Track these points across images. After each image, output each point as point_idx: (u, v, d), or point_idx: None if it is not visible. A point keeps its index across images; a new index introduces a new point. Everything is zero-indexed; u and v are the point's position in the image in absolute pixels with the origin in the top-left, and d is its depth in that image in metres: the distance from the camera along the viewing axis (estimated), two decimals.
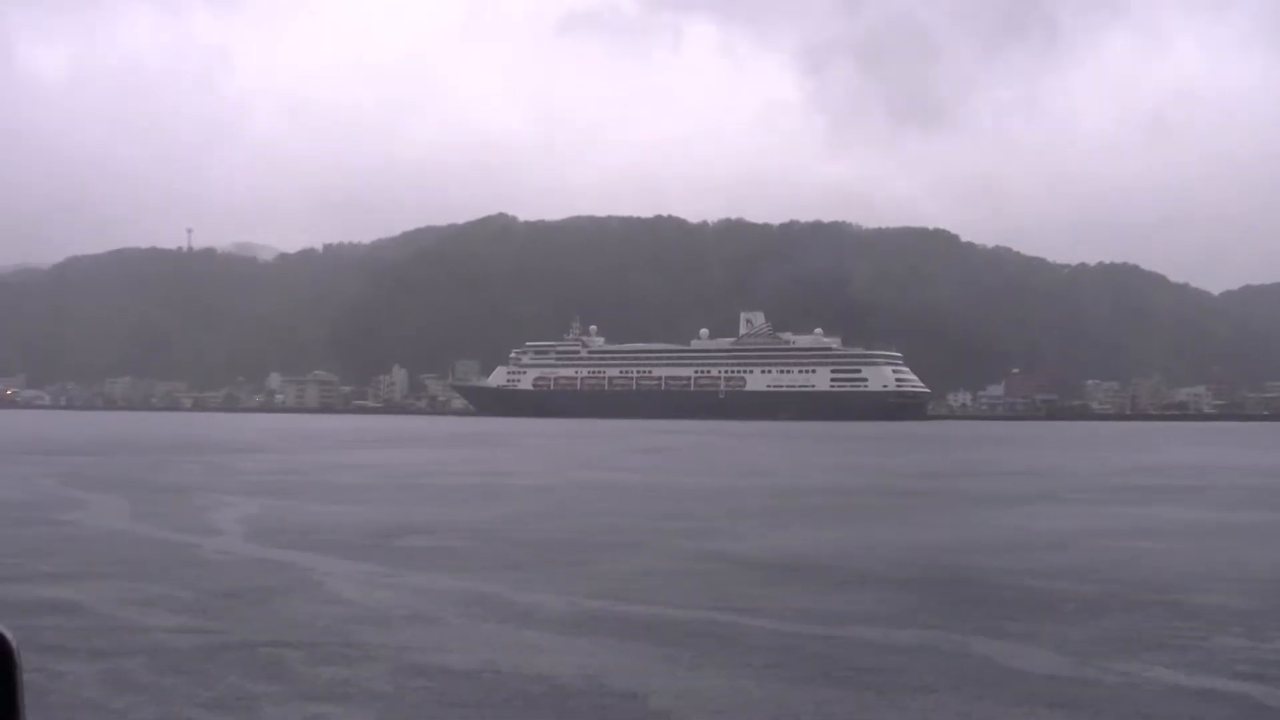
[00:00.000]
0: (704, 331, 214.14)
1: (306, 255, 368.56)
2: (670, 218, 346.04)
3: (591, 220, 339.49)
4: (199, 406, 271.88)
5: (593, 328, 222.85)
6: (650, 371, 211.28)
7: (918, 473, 42.79)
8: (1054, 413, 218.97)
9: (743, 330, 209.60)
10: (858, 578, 15.88)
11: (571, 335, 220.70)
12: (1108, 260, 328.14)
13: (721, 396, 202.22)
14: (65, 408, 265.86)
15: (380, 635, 12.58)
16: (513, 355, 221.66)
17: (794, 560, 17.59)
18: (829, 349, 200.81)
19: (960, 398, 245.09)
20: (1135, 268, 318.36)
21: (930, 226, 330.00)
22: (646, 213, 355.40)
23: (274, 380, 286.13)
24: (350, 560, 18.39)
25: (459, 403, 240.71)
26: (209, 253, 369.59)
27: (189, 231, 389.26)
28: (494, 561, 17.74)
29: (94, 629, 12.92)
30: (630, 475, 40.55)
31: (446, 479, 37.83)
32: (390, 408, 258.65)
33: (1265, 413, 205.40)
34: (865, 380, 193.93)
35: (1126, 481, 39.08)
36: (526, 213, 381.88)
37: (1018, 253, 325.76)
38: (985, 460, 55.30)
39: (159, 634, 12.68)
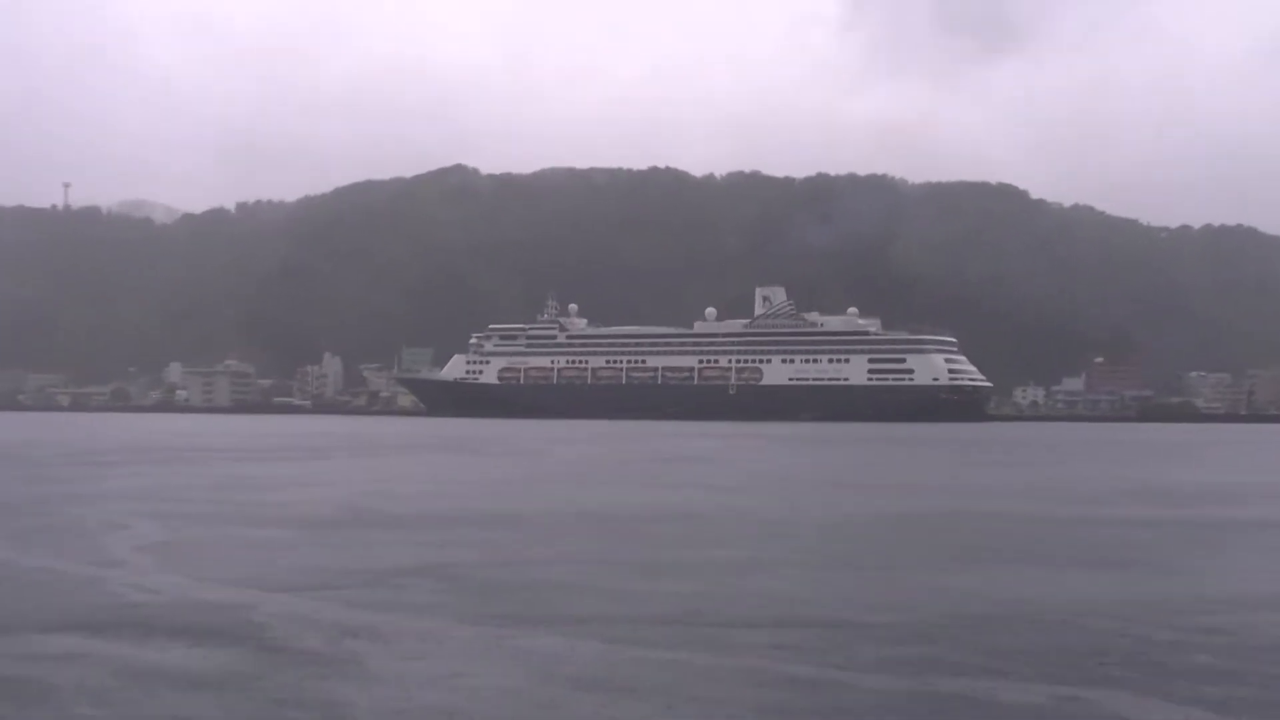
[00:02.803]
0: (710, 311, 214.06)
1: (215, 216, 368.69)
2: (669, 170, 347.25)
3: (571, 173, 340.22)
4: (79, 405, 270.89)
5: (572, 307, 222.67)
6: (644, 361, 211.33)
7: (1097, 493, 41.30)
8: (1148, 412, 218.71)
9: (759, 310, 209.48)
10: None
11: (546, 316, 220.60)
12: (1216, 222, 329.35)
13: (732, 392, 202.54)
14: None
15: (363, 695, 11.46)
16: (473, 341, 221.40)
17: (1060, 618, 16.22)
18: (866, 333, 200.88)
19: (1030, 393, 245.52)
20: (1252, 230, 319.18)
21: (993, 180, 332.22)
22: (640, 163, 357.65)
23: (174, 372, 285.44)
24: (312, 600, 17.25)
25: (406, 399, 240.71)
26: (92, 213, 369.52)
27: (66, 187, 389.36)
28: (495, 608, 16.58)
29: None
30: (688, 495, 38.89)
31: (414, 499, 36.57)
32: (321, 406, 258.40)
33: None
34: (911, 372, 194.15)
35: None
36: (491, 163, 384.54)
37: (1103, 213, 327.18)
38: (1150, 476, 53.97)
39: (65, 695, 11.67)
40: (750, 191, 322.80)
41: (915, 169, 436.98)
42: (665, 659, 13.48)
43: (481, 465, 59.32)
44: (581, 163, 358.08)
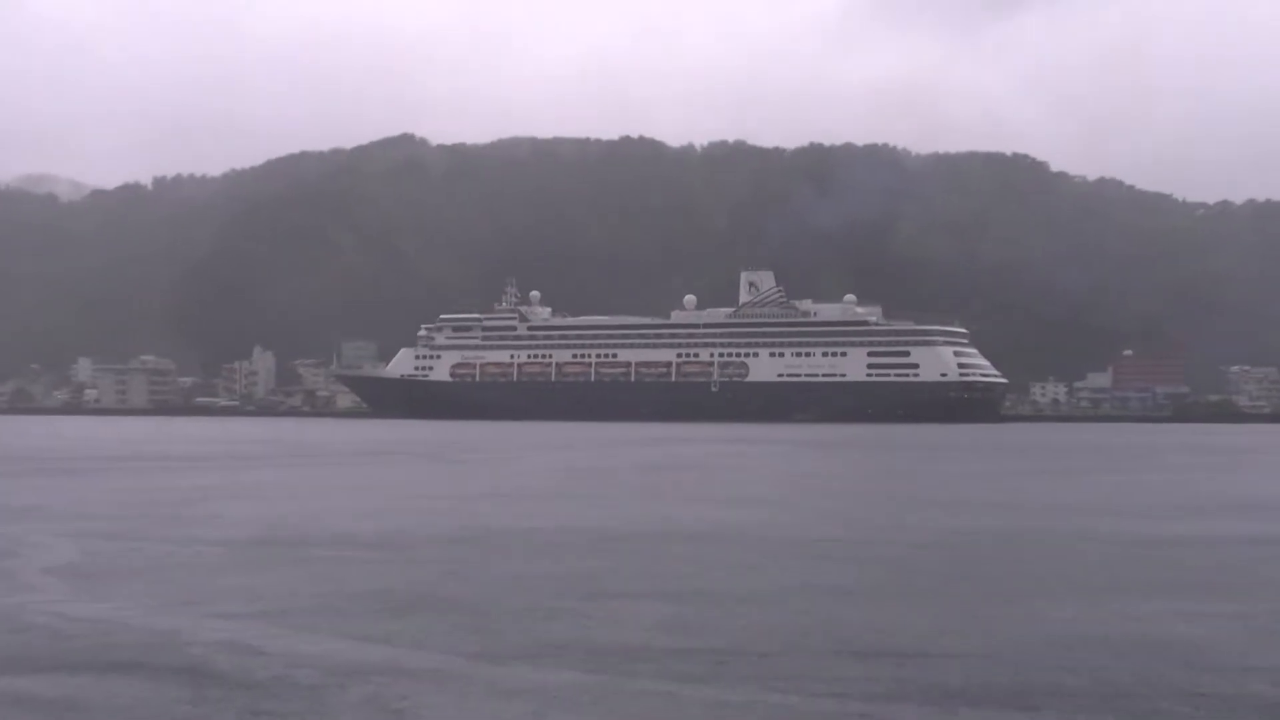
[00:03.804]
0: (690, 299, 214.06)
1: (129, 193, 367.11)
2: (643, 139, 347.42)
3: (532, 144, 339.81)
4: None
5: (534, 294, 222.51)
6: (615, 355, 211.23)
7: (1165, 506, 40.79)
8: (1183, 411, 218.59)
9: (744, 297, 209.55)
10: None
11: (505, 305, 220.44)
12: (1261, 197, 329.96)
13: (714, 389, 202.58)
14: None
15: None
16: (422, 333, 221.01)
17: None
18: (865, 323, 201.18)
19: (1050, 390, 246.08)
20: None
21: (1009, 151, 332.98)
22: (610, 132, 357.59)
23: (84, 369, 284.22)
24: (255, 628, 17.06)
25: (347, 399, 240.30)
26: None
27: None
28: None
29: None
30: (685, 510, 38.30)
31: (365, 514, 36.26)
32: (250, 406, 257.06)
33: None
34: (916, 367, 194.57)
35: None
36: (442, 133, 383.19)
37: (1132, 187, 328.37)
38: (1216, 486, 53.57)
39: None
40: (734, 164, 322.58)
41: (921, 138, 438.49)
42: (659, 691, 13.35)
43: (438, 475, 58.99)
44: (544, 132, 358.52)
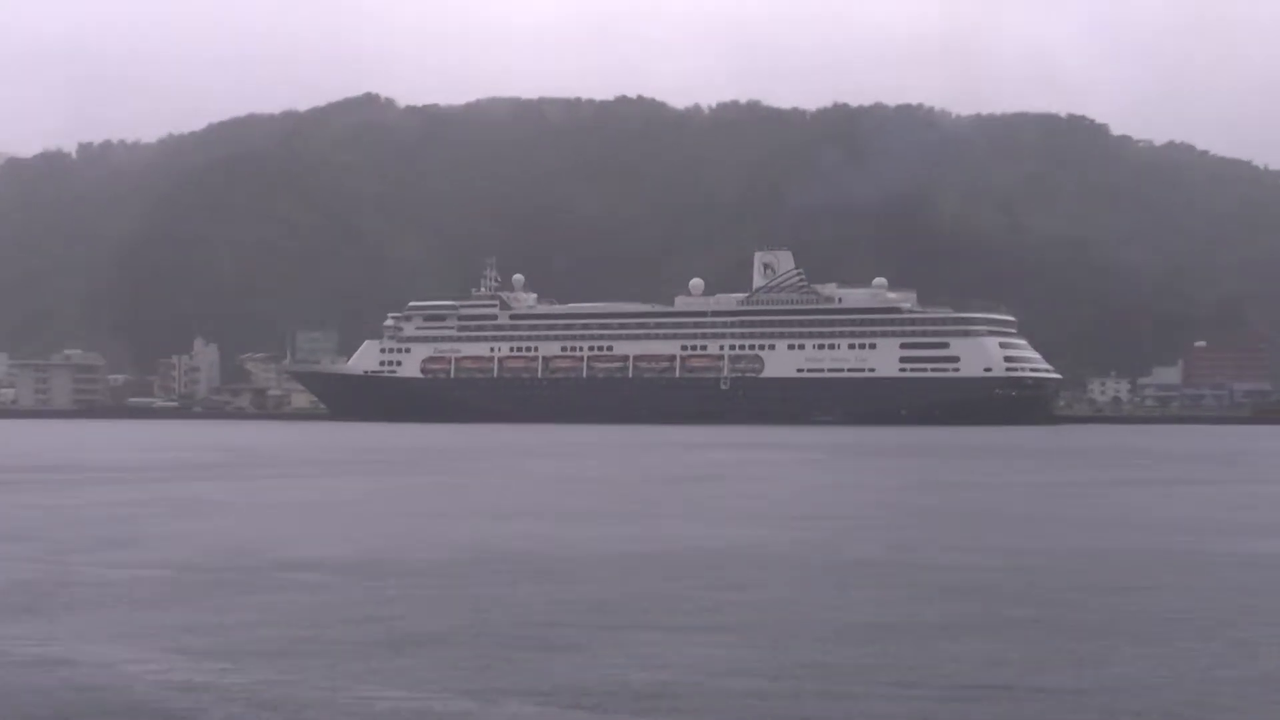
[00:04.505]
0: (696, 283, 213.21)
1: (50, 161, 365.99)
2: (643, 100, 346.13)
3: (514, 105, 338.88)
4: None
5: (518, 278, 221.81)
6: (610, 348, 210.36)
7: None
8: (1265, 412, 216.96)
9: (758, 281, 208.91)
10: None
11: (484, 290, 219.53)
12: None
13: (725, 387, 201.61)
14: None
15: None
16: (389, 322, 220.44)
17: None
18: (897, 310, 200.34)
19: (1110, 387, 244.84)
20: None
21: (1063, 112, 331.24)
22: (604, 92, 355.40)
23: None
24: (212, 666, 17.37)
25: (303, 398, 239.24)
26: None
27: None
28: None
29: None
30: (720, 529, 38.44)
31: (335, 537, 36.45)
32: (193, 407, 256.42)
33: None
34: (956, 360, 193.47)
35: None
36: (410, 92, 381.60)
37: (1205, 152, 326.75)
38: None
39: None
40: (747, 128, 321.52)
41: (962, 97, 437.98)
42: None
43: (415, 488, 59.00)
44: (529, 91, 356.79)
